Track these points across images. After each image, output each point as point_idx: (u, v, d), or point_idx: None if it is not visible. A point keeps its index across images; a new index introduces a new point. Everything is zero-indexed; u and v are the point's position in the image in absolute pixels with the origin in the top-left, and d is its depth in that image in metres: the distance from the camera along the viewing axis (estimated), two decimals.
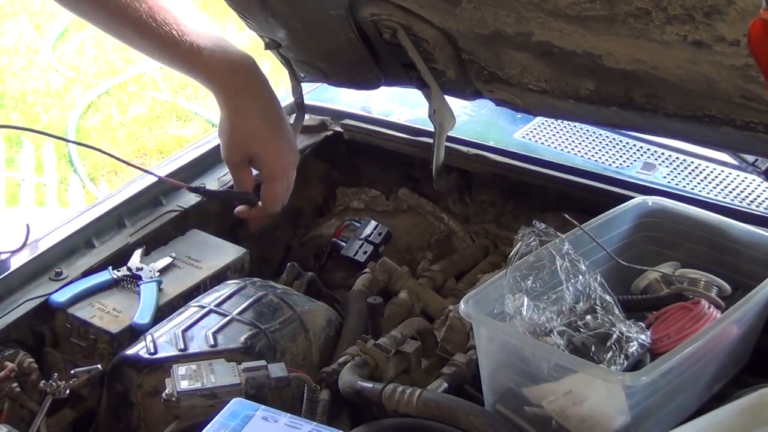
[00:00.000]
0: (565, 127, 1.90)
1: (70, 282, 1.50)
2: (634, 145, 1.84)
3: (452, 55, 1.55)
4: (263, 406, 1.18)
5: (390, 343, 1.41)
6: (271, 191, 1.60)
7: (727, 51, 1.21)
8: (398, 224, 1.83)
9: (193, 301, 1.49)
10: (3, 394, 1.34)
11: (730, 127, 1.37)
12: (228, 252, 1.63)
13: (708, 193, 1.70)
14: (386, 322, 1.52)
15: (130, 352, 1.38)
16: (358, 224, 1.79)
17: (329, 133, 1.93)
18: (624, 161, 1.80)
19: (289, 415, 1.18)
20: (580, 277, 1.31)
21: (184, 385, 1.27)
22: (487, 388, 1.34)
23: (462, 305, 1.30)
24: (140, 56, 5.33)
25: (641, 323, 1.31)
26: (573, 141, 1.87)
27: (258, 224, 1.68)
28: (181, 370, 1.29)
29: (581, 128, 1.89)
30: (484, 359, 1.34)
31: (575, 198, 1.70)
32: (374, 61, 1.68)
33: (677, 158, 1.80)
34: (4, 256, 1.54)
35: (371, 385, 1.34)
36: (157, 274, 1.54)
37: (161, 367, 1.34)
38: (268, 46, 1.75)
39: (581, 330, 1.27)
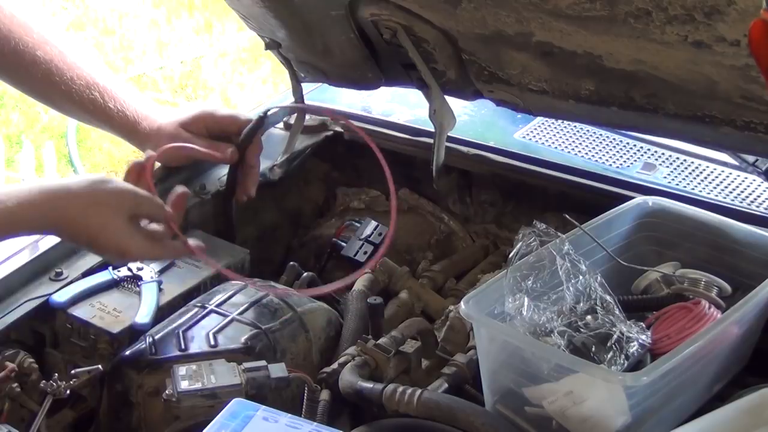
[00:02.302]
0: (565, 127, 1.90)
1: (71, 282, 1.50)
2: (634, 145, 1.84)
3: (452, 56, 1.55)
4: (263, 407, 1.18)
5: (390, 343, 1.41)
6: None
7: (727, 51, 1.21)
8: (398, 224, 1.83)
9: (193, 301, 1.49)
10: (3, 395, 1.34)
11: (730, 127, 1.37)
12: (228, 252, 1.63)
13: (708, 193, 1.69)
14: (386, 323, 1.52)
15: (130, 352, 1.38)
16: (358, 224, 1.79)
17: (329, 133, 1.93)
18: (624, 161, 1.80)
19: (289, 415, 1.18)
20: (581, 277, 1.31)
21: (185, 385, 1.27)
22: (488, 389, 1.34)
23: (462, 305, 1.30)
24: (140, 56, 5.29)
25: (641, 323, 1.31)
26: (573, 141, 1.87)
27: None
28: (182, 370, 1.29)
29: (581, 128, 1.89)
30: (484, 359, 1.34)
31: (575, 198, 1.70)
32: (374, 61, 1.68)
33: (677, 158, 1.80)
34: None
35: (371, 386, 1.34)
36: (158, 274, 1.54)
37: (161, 367, 1.34)
38: (268, 46, 1.75)
39: (581, 330, 1.27)
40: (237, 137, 1.68)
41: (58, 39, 1.66)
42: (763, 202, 1.66)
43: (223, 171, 1.79)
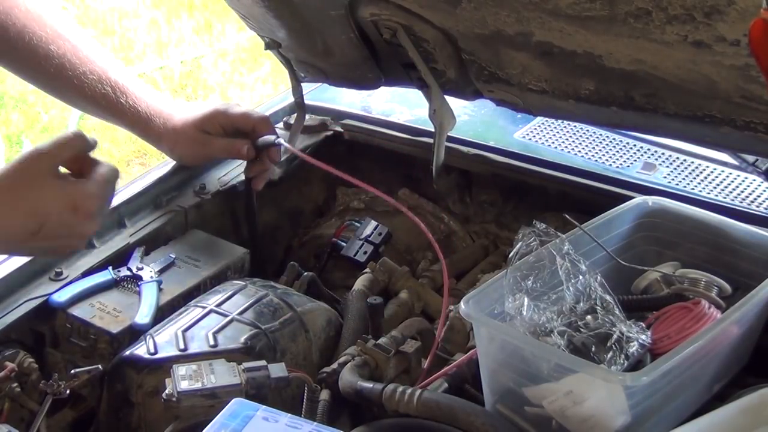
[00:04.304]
0: (565, 127, 1.90)
1: (70, 282, 1.50)
2: (634, 145, 1.84)
3: (452, 55, 1.55)
4: (263, 407, 1.18)
5: (390, 343, 1.41)
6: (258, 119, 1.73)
7: (727, 51, 1.21)
8: (398, 224, 1.83)
9: (193, 301, 1.49)
10: (3, 394, 1.34)
11: (730, 127, 1.37)
12: (228, 252, 1.63)
13: (708, 193, 1.70)
14: (386, 323, 1.52)
15: (130, 352, 1.38)
16: (358, 224, 1.79)
17: (329, 133, 1.93)
18: (624, 161, 1.80)
19: (289, 415, 1.17)
20: (581, 277, 1.31)
21: (185, 385, 1.27)
22: (488, 388, 1.34)
23: (462, 305, 1.30)
24: (140, 56, 5.28)
25: (641, 323, 1.30)
26: (573, 141, 1.87)
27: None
28: (182, 370, 1.29)
29: (581, 128, 1.89)
30: (484, 359, 1.34)
31: (575, 198, 1.70)
32: (374, 61, 1.68)
33: (677, 158, 1.80)
34: None
35: (371, 385, 1.34)
36: (157, 274, 1.54)
37: (161, 367, 1.34)
38: (268, 46, 1.75)
39: (581, 330, 1.27)
40: (250, 134, 1.70)
41: (72, 33, 1.66)
42: (763, 202, 1.66)
43: (223, 171, 1.80)
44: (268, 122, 1.74)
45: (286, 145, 1.74)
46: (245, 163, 1.74)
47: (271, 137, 1.70)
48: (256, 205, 1.77)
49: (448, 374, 1.39)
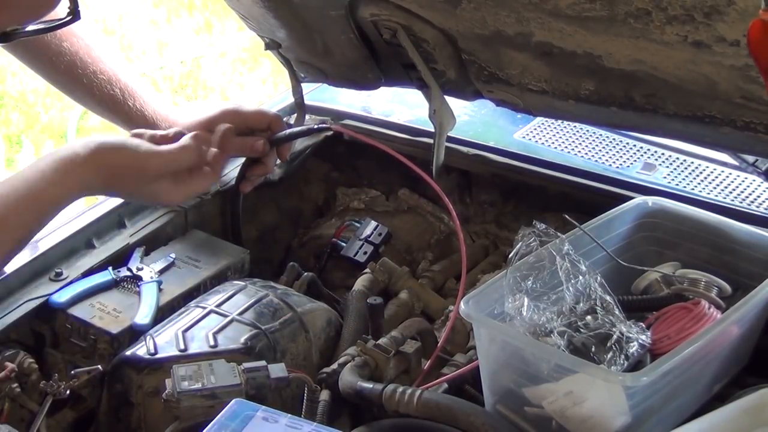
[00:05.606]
0: (565, 127, 1.90)
1: (70, 282, 1.50)
2: (634, 146, 1.84)
3: (452, 56, 1.55)
4: (263, 407, 1.18)
5: (390, 343, 1.41)
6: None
7: (727, 51, 1.21)
8: (398, 224, 1.84)
9: (193, 301, 1.49)
10: (3, 395, 1.34)
11: (730, 127, 1.37)
12: (228, 252, 1.63)
13: (708, 193, 1.70)
14: (386, 323, 1.52)
15: (130, 352, 1.38)
16: (358, 224, 1.79)
17: (329, 133, 1.92)
18: (624, 161, 1.80)
19: (289, 415, 1.18)
20: (581, 277, 1.31)
21: (185, 385, 1.27)
22: (488, 389, 1.34)
23: (462, 306, 1.30)
24: (140, 56, 5.27)
25: (641, 324, 1.31)
26: (573, 141, 1.87)
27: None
28: (182, 370, 1.29)
29: (581, 128, 1.89)
30: (484, 360, 1.34)
31: (575, 198, 1.70)
32: (374, 62, 1.68)
33: (677, 158, 1.80)
34: None
35: (371, 386, 1.34)
36: (158, 274, 1.54)
37: (161, 367, 1.34)
38: (268, 47, 1.75)
39: (581, 330, 1.27)
40: (264, 132, 1.69)
41: (86, 32, 1.65)
42: (763, 202, 1.66)
43: (223, 171, 1.79)
44: (282, 120, 1.74)
45: (348, 130, 1.76)
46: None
47: (301, 125, 1.72)
48: (240, 207, 1.76)
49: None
